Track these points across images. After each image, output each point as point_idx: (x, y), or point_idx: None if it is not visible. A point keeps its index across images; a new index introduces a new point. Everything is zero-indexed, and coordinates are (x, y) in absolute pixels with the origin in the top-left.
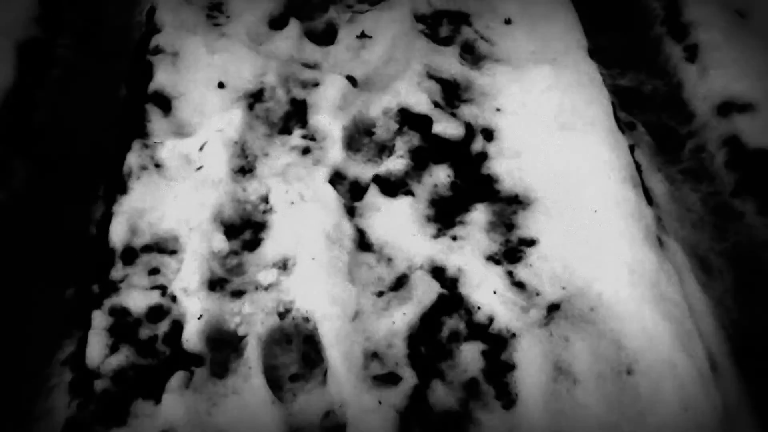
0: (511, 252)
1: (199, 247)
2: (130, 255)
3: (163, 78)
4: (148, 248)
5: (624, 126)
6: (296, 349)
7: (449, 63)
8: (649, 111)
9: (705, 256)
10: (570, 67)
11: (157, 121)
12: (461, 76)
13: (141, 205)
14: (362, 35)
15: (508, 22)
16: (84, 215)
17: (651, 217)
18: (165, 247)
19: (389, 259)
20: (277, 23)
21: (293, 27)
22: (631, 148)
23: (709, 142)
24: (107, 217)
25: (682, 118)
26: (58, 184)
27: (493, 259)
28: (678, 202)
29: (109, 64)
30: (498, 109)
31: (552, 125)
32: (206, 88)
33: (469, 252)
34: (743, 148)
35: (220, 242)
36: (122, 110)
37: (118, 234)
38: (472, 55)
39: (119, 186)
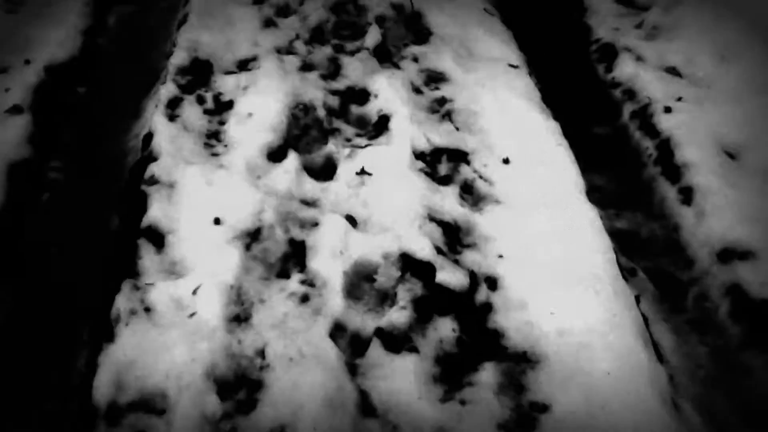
0: (523, 419)
1: (191, 411)
2: (114, 414)
3: (157, 211)
4: (134, 406)
5: (626, 273)
6: None
7: (450, 204)
8: (648, 256)
9: (720, 417)
10: (570, 211)
11: (149, 258)
12: (462, 219)
13: (129, 357)
14: (362, 172)
15: (506, 161)
16: (66, 361)
17: (665, 379)
18: (153, 405)
19: (395, 427)
20: (275, 155)
21: (292, 160)
22: (637, 299)
23: (712, 291)
24: (91, 367)
25: (683, 264)
26: (40, 321)
27: (505, 428)
28: (687, 357)
29: (101, 189)
30: (500, 256)
31: (556, 274)
32: (202, 224)
33: (479, 420)
34: (747, 298)
35: (213, 405)
36: (114, 243)
37: (102, 390)
38: (471, 196)
39: (106, 332)
